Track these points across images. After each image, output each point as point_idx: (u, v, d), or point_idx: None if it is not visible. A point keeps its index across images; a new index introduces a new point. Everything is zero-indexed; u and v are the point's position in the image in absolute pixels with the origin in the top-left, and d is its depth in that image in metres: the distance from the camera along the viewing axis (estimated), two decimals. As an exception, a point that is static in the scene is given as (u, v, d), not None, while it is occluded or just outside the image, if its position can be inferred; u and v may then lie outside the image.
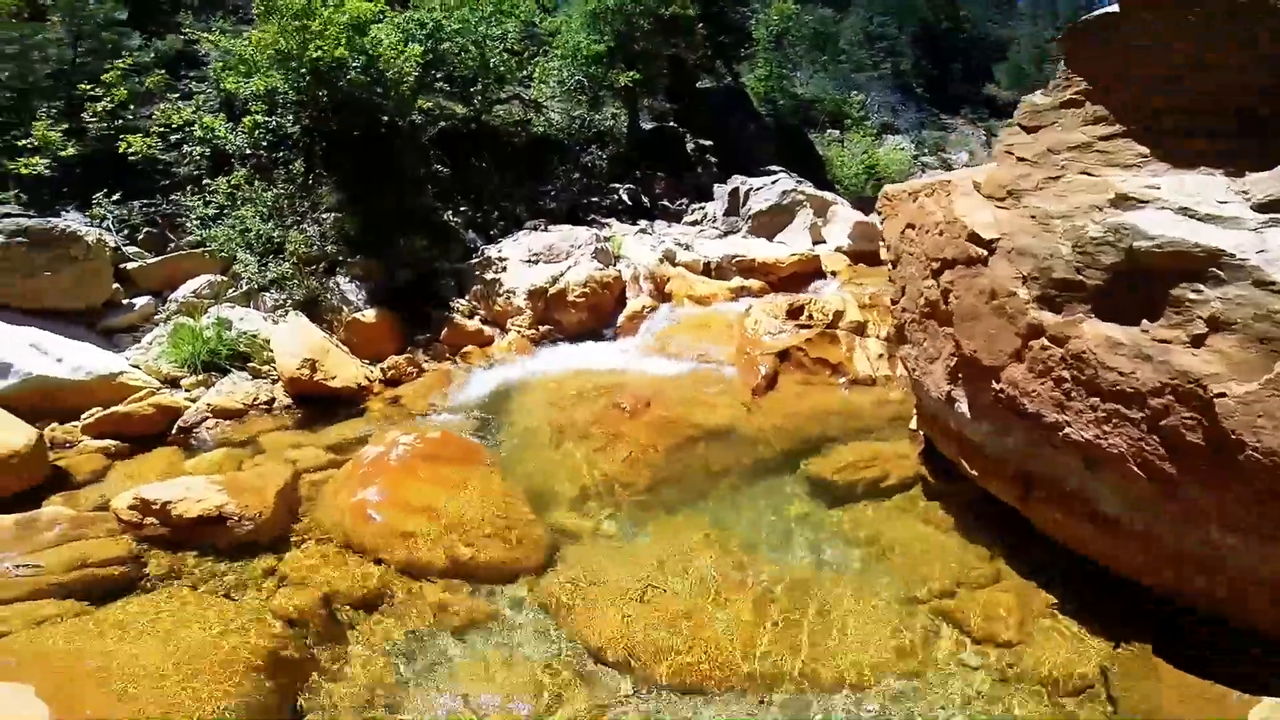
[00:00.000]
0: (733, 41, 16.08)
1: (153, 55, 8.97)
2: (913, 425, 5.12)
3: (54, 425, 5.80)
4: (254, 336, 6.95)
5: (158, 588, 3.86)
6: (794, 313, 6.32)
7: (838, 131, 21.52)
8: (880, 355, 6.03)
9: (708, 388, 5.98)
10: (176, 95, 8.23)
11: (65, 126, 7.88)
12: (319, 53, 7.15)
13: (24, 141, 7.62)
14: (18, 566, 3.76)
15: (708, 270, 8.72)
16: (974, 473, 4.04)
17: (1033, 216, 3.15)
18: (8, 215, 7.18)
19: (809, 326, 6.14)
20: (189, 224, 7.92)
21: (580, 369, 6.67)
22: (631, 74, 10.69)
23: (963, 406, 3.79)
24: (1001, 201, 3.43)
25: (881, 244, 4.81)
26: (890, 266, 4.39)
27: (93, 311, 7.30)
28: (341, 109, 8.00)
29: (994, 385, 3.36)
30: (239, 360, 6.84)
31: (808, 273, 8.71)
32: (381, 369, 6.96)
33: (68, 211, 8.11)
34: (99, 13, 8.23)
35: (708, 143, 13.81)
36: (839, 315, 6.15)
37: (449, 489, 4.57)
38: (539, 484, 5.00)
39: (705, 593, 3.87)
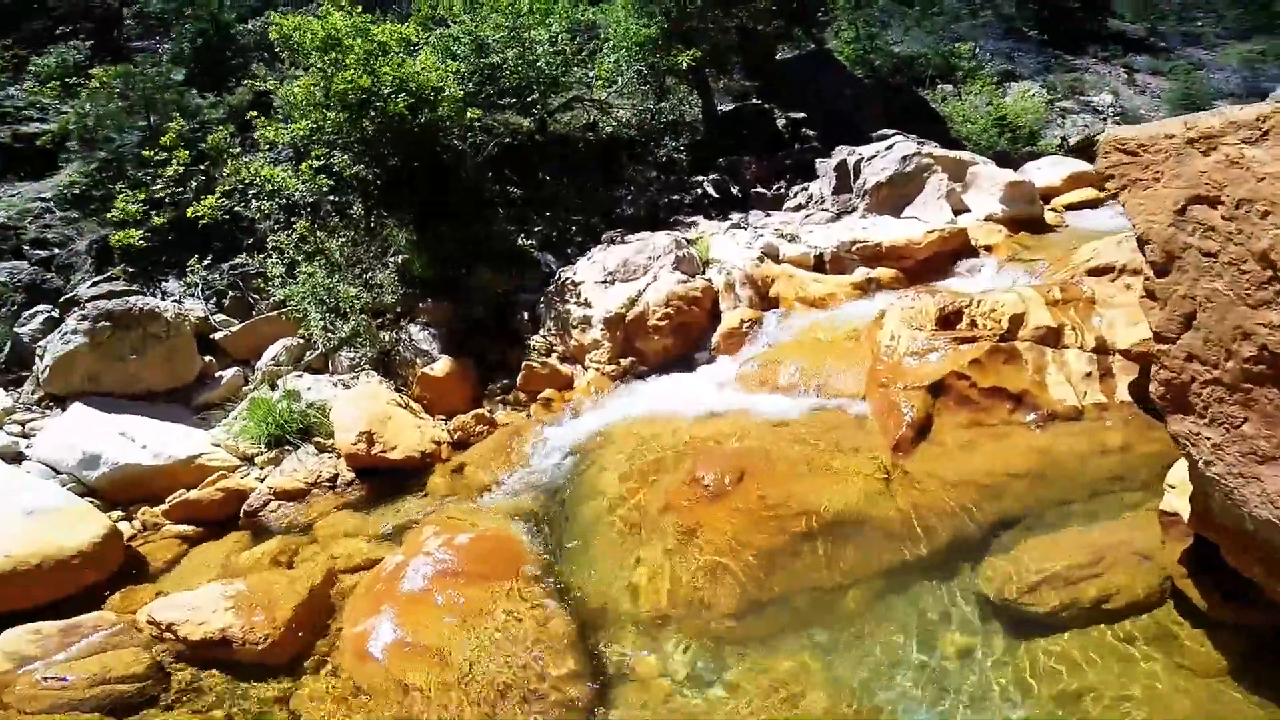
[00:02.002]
0: (808, 5, 13.31)
1: (223, 111, 8.27)
2: (1166, 505, 2.92)
3: (145, 509, 5.28)
4: (320, 408, 5.90)
5: (175, 707, 3.38)
6: (948, 320, 4.19)
7: (950, 86, 17.90)
8: (1087, 374, 3.79)
9: (829, 440, 4.06)
10: (238, 150, 7.39)
11: (143, 196, 7.33)
12: (344, 85, 5.92)
13: (110, 215, 7.17)
14: (46, 678, 3.42)
15: (821, 264, 6.64)
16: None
17: None
18: (95, 298, 6.73)
19: (972, 339, 3.99)
20: (269, 284, 7.06)
21: (664, 415, 4.97)
22: (692, 52, 8.67)
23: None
24: None
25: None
26: (1150, 274, 2.22)
27: (188, 389, 6.68)
28: (394, 141, 6.77)
29: None
30: (306, 434, 5.83)
31: (952, 251, 6.38)
32: (449, 430, 5.65)
33: (167, 281, 7.65)
34: (154, 77, 7.60)
35: (799, 115, 11.44)
36: (1017, 320, 3.94)
37: (470, 621, 3.31)
38: (597, 598, 3.54)
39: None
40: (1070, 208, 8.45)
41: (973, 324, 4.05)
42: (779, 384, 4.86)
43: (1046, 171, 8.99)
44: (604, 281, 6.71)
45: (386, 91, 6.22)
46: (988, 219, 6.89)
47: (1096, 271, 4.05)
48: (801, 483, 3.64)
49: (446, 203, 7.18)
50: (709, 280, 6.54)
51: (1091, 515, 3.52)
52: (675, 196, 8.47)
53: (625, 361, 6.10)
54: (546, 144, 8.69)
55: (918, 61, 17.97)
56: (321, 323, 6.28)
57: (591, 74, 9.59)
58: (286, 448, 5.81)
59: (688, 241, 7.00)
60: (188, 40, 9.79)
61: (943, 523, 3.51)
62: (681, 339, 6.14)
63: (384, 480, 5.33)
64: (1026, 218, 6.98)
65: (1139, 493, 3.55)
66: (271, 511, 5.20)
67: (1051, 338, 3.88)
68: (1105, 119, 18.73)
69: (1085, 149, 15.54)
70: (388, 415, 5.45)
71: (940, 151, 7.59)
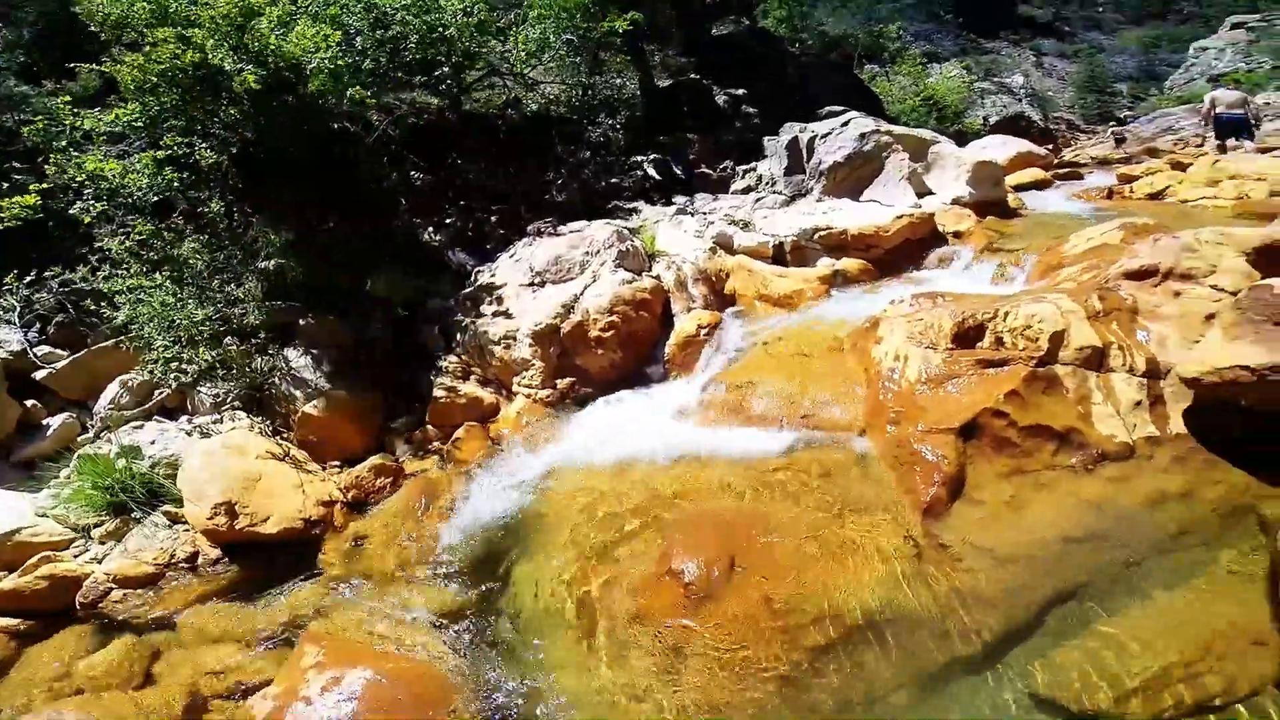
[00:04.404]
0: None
1: (58, 102, 6.43)
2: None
3: None
4: (173, 463, 4.47)
5: None
6: (966, 337, 3.25)
7: (876, 66, 17.56)
8: (1137, 403, 2.97)
9: (831, 495, 3.08)
10: (64, 144, 5.62)
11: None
12: (163, 64, 4.48)
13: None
14: None
15: (781, 254, 5.65)
16: None
17: None
18: None
19: (1000, 362, 3.08)
20: (104, 305, 5.41)
21: (616, 459, 3.88)
22: (630, 15, 7.43)
23: None
24: None
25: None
26: None
27: (8, 442, 5.08)
28: (262, 124, 5.26)
29: None
30: (156, 499, 4.39)
31: (920, 239, 5.52)
32: (340, 487, 4.34)
33: (-21, 304, 5.84)
34: None
35: (740, 91, 10.43)
36: (1058, 338, 3.04)
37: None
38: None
39: None
40: (1019, 188, 7.87)
41: (998, 342, 3.15)
42: (754, 412, 3.83)
43: (993, 151, 8.37)
44: (531, 284, 5.48)
45: (231, 67, 4.73)
46: (955, 202, 6.09)
47: (1136, 275, 3.22)
48: (813, 569, 2.64)
49: (334, 195, 5.73)
50: (657, 277, 5.43)
51: (1160, 580, 2.75)
52: (613, 179, 7.24)
53: (563, 383, 4.93)
54: (460, 124, 7.28)
55: (848, 40, 17.43)
56: (168, 353, 4.75)
57: (512, 47, 8.20)
58: (133, 516, 4.38)
59: (630, 232, 5.84)
60: (27, 24, 7.73)
61: (992, 611, 2.62)
62: (630, 352, 5.02)
63: (261, 557, 4.06)
64: (992, 201, 6.25)
65: (1211, 549, 2.81)
66: (116, 602, 3.94)
67: (1095, 359, 3.02)
68: (1020, 99, 18.83)
69: (1006, 127, 15.49)
70: (256, 475, 4.08)
71: (900, 129, 6.74)
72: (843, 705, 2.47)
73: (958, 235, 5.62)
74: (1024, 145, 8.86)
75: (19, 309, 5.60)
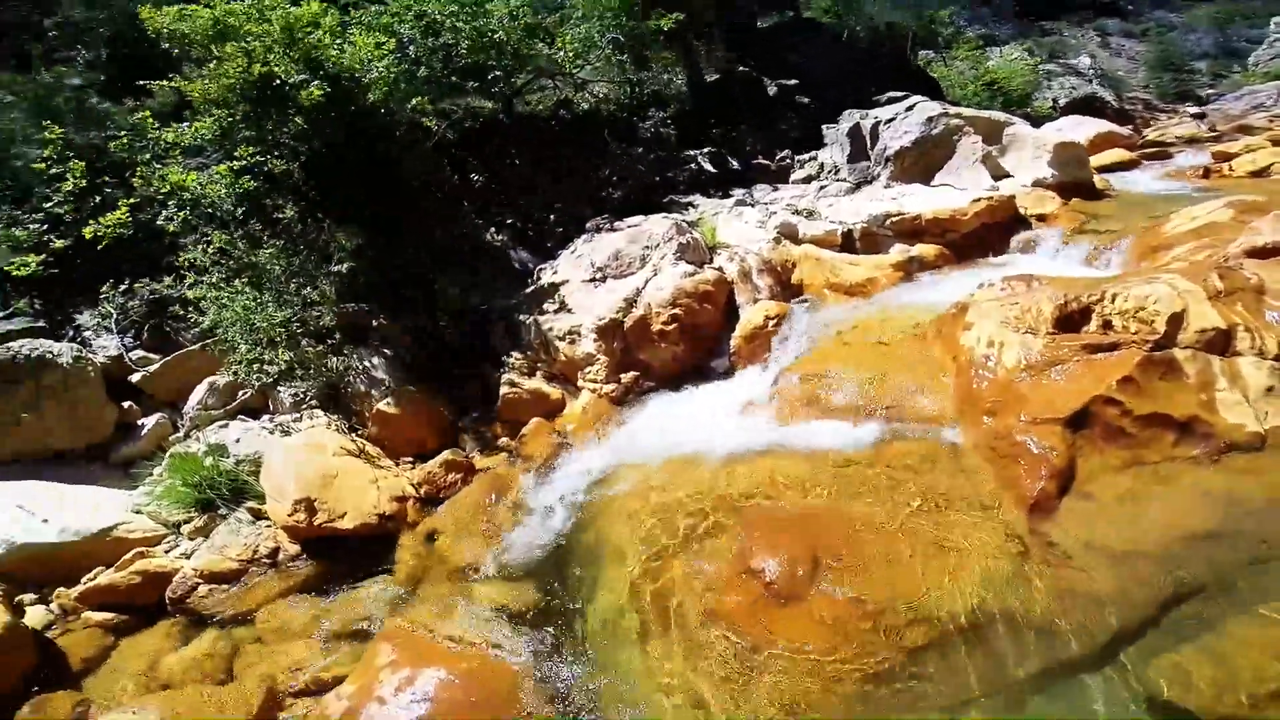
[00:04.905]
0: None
1: (139, 117, 6.83)
2: None
3: (60, 591, 4.23)
4: (255, 462, 4.64)
5: None
6: (1069, 321, 3.02)
7: (931, 52, 16.87)
8: (1269, 389, 2.68)
9: (924, 492, 2.89)
10: (149, 157, 5.96)
11: (40, 216, 5.92)
12: (234, 79, 4.67)
13: (-1, 243, 5.77)
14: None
15: (850, 242, 5.45)
16: None
17: None
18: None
19: (1111, 346, 2.84)
20: (191, 311, 5.70)
21: (685, 455, 3.79)
22: (675, 15, 7.31)
23: None
24: None
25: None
26: None
27: (107, 443, 5.39)
28: (328, 132, 5.44)
29: None
30: (240, 495, 4.57)
31: (1001, 223, 5.23)
32: (414, 483, 4.41)
33: (79, 313, 6.25)
34: (44, 84, 6.16)
35: (791, 82, 10.22)
36: (1176, 320, 2.78)
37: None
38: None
39: None
40: (1103, 169, 7.39)
41: (1106, 325, 2.91)
42: (832, 405, 3.67)
43: (1069, 132, 7.90)
44: (592, 279, 5.46)
45: (294, 79, 4.91)
46: (1036, 184, 5.74)
47: (1260, 252, 2.93)
48: (907, 569, 2.49)
49: (399, 199, 5.87)
50: (720, 269, 5.32)
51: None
52: (668, 173, 7.17)
53: (626, 377, 4.89)
54: (515, 126, 7.37)
55: (898, 27, 16.87)
56: (250, 355, 4.96)
57: (559, 49, 8.26)
58: (219, 512, 4.57)
59: (689, 225, 5.75)
60: (103, 44, 8.28)
61: (1106, 611, 2.41)
62: (694, 345, 4.93)
63: (338, 553, 4.13)
64: (1077, 182, 5.86)
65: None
66: (202, 598, 4.06)
67: (1219, 342, 2.75)
68: (1089, 80, 17.79)
69: (1077, 108, 14.65)
70: (333, 472, 4.18)
71: (970, 111, 6.42)
72: (941, 707, 2.32)
73: (1041, 218, 5.29)
74: (1104, 125, 8.36)
75: (115, 316, 5.96)
